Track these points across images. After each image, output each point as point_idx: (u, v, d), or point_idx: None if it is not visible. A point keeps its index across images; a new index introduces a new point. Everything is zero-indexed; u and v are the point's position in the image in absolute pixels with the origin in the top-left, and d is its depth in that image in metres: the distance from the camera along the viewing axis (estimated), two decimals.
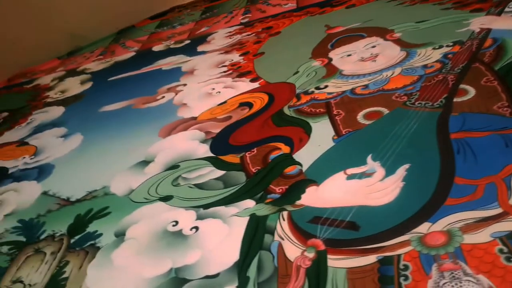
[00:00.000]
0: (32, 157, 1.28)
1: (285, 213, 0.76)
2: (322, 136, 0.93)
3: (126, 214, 0.88)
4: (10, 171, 1.24)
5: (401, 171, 0.76)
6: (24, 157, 1.29)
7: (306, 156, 0.88)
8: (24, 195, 1.10)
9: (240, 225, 0.76)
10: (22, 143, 1.40)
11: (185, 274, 0.70)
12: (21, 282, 0.81)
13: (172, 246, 0.77)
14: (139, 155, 1.08)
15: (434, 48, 1.14)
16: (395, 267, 0.60)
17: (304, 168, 0.85)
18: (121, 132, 1.25)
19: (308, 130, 0.96)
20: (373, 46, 1.26)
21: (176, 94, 1.38)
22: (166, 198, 0.90)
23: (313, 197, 0.77)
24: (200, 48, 1.72)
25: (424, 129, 0.85)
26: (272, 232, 0.73)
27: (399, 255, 0.62)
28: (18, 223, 0.99)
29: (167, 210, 0.87)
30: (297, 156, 0.89)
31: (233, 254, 0.71)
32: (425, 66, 1.07)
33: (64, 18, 2.24)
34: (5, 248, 0.93)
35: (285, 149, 0.92)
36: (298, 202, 0.77)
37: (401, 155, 0.80)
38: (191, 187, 0.91)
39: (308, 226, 0.71)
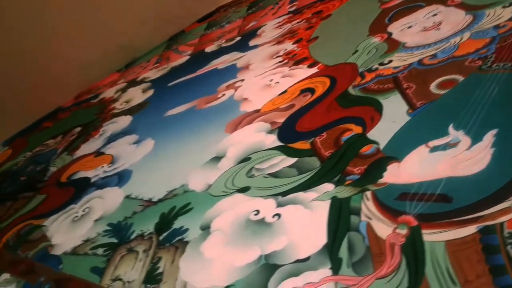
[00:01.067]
0: (110, 165, 1.36)
1: (368, 193, 0.74)
2: (395, 111, 0.90)
3: (208, 208, 0.91)
4: (92, 180, 1.32)
5: (489, 137, 0.72)
6: (103, 166, 1.37)
7: (381, 134, 0.86)
8: (109, 201, 1.17)
9: (322, 209, 0.76)
10: (98, 153, 1.49)
11: (275, 260, 0.71)
12: (120, 279, 0.87)
13: (257, 234, 0.78)
14: (210, 152, 1.11)
15: (504, 7, 1.07)
16: (499, 235, 0.57)
17: (381, 146, 0.83)
18: (189, 133, 1.29)
19: (378, 108, 0.94)
20: (435, 14, 1.20)
21: (236, 90, 1.40)
22: (243, 190, 0.92)
23: (396, 174, 0.75)
24: (251, 43, 1.73)
25: (506, 91, 0.80)
26: (357, 213, 0.72)
27: (501, 223, 0.58)
28: (108, 226, 1.06)
29: (246, 200, 0.89)
30: (371, 135, 0.87)
31: (320, 237, 0.71)
32: (497, 27, 1.00)
33: (116, 32, 2.35)
34: (100, 250, 0.99)
35: (357, 129, 0.91)
36: (381, 181, 0.75)
37: (485, 121, 0.76)
38: (265, 177, 0.92)
39: (396, 204, 0.69)
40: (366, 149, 0.84)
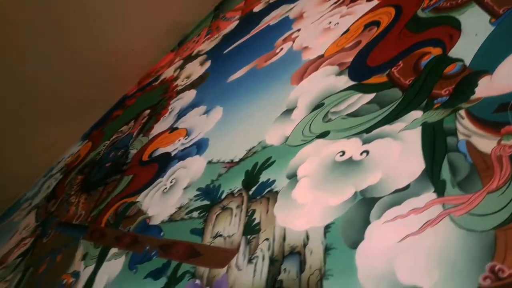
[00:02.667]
0: (186, 137, 1.41)
1: (461, 112, 0.70)
2: (475, 24, 0.83)
3: (291, 158, 0.92)
4: (172, 154, 1.38)
5: None
6: (179, 140, 1.42)
7: (464, 50, 0.80)
8: (193, 169, 1.22)
9: (413, 137, 0.73)
10: (172, 129, 1.55)
11: (372, 193, 0.70)
12: (221, 235, 0.91)
13: (347, 173, 0.78)
14: (280, 107, 1.11)
15: None
16: None
17: (467, 63, 0.77)
18: (255, 93, 1.29)
19: (456, 25, 0.87)
20: None
21: (293, 41, 1.36)
22: (323, 135, 0.91)
23: (490, 87, 0.70)
24: None
25: None
26: (453, 133, 0.68)
27: None
28: (197, 191, 1.11)
29: (329, 144, 0.88)
30: (453, 53, 0.81)
31: (417, 164, 0.68)
32: None
33: (163, 13, 2.38)
34: (195, 214, 1.04)
35: (436, 51, 0.85)
36: (473, 97, 0.70)
37: None
38: (344, 118, 0.90)
39: (496, 116, 0.65)
40: (451, 69, 0.78)
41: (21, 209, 2.26)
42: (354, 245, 0.66)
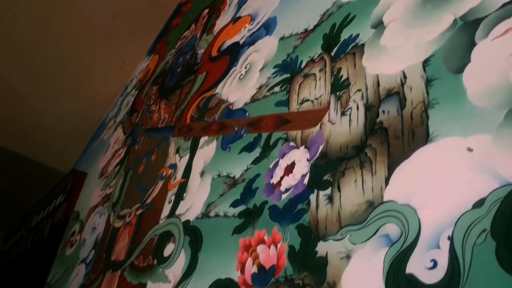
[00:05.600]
0: (251, 22, 1.37)
1: None
2: None
3: (373, 8, 0.86)
4: (241, 42, 1.37)
5: None
6: (245, 27, 1.40)
7: None
8: (265, 50, 1.20)
9: None
10: (235, 20, 1.51)
11: (475, 15, 0.64)
12: (307, 100, 0.91)
13: (441, 5, 0.71)
14: None
15: None
16: None
17: None
18: None
19: None
20: None
21: None
22: None
23: None
24: None
25: None
26: None
27: None
28: (274, 68, 1.10)
29: None
30: None
31: None
32: None
33: None
34: (277, 88, 1.05)
35: None
36: None
37: None
38: None
39: None
40: None
41: (107, 128, 2.44)
42: (460, 69, 0.62)
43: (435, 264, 0.52)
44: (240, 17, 1.48)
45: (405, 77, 0.70)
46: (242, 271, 0.83)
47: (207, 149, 1.22)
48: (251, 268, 0.81)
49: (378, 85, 0.75)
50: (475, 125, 0.56)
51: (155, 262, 1.13)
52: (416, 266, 0.54)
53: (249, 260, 0.82)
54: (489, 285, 0.47)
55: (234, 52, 1.37)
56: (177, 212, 1.18)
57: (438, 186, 0.57)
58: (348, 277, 0.62)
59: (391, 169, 0.64)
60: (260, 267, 0.79)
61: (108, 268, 1.40)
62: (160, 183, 1.38)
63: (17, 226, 2.89)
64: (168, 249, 1.11)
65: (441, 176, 0.57)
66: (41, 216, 2.51)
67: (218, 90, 1.35)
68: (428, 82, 0.66)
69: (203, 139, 1.28)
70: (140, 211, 1.41)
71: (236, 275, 0.83)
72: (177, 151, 1.39)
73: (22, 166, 2.80)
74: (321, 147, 0.80)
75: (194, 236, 1.04)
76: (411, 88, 0.68)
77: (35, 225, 2.55)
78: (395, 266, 0.56)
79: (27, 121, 2.62)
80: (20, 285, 2.66)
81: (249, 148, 1.02)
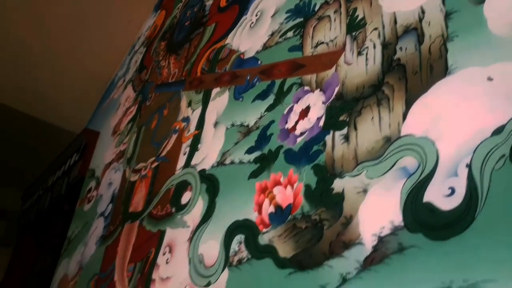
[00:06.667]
0: None
1: None
2: None
3: None
4: None
5: None
6: None
7: None
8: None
9: None
10: None
11: None
12: (322, 43, 0.90)
13: None
14: None
15: None
16: None
17: None
18: None
19: None
20: None
21: None
22: None
23: None
24: None
25: None
26: None
27: None
28: (287, 13, 1.08)
29: None
30: None
31: None
32: None
33: None
34: (289, 34, 1.03)
35: None
36: None
37: None
38: None
39: None
40: None
41: (116, 87, 2.44)
42: (481, 0, 0.61)
43: (452, 191, 0.54)
44: None
45: (423, 12, 0.69)
46: (259, 211, 0.85)
47: (220, 101, 1.22)
48: (268, 208, 0.83)
49: (395, 22, 0.74)
50: (496, 54, 0.55)
51: (173, 210, 1.16)
52: (433, 195, 0.56)
53: (266, 201, 0.85)
54: (506, 207, 0.48)
55: (244, 1, 1.34)
56: (193, 162, 1.20)
57: (456, 116, 0.57)
58: (364, 210, 0.64)
59: (408, 104, 0.64)
60: (277, 207, 0.81)
61: (126, 219, 1.45)
62: (174, 136, 1.40)
63: (34, 187, 2.97)
64: (186, 197, 1.14)
65: (460, 107, 0.57)
66: (57, 176, 2.57)
67: (228, 40, 1.33)
68: (447, 16, 0.65)
69: (214, 91, 1.28)
70: (155, 164, 1.44)
71: (253, 216, 0.86)
72: (189, 104, 1.40)
73: (35, 128, 2.84)
74: (336, 89, 0.80)
75: (210, 183, 1.06)
76: (429, 23, 0.67)
77: (51, 185, 2.62)
78: (412, 196, 0.58)
79: (38, 83, 2.63)
80: (41, 243, 2.78)
81: (262, 96, 1.02)
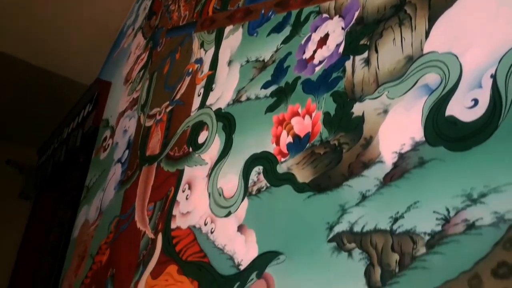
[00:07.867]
0: None
1: None
2: None
3: None
4: None
5: None
6: None
7: None
8: None
9: None
10: None
11: None
12: None
13: None
14: None
15: None
16: None
17: None
18: None
19: None
20: None
21: None
22: None
23: None
24: None
25: None
26: None
27: None
28: None
29: None
30: None
31: None
32: None
33: None
34: None
35: None
36: None
37: None
38: None
39: None
40: None
41: (126, 36, 2.41)
42: None
43: (476, 102, 0.53)
44: None
45: None
46: (277, 143, 0.86)
47: (233, 38, 1.20)
48: (286, 139, 0.84)
49: None
50: None
51: (191, 149, 1.18)
52: (456, 107, 0.55)
53: (284, 132, 0.86)
54: None
55: None
56: (208, 102, 1.21)
57: (481, 28, 0.56)
58: (385, 129, 0.64)
59: (431, 21, 0.63)
60: (295, 136, 0.82)
61: (144, 163, 1.48)
62: (188, 79, 1.40)
63: (49, 140, 3.02)
64: (202, 136, 1.16)
65: (485, 19, 0.56)
66: (71, 127, 2.60)
67: None
68: None
69: (227, 29, 1.26)
70: (170, 108, 1.45)
71: (271, 148, 0.87)
72: (201, 45, 1.38)
73: (47, 81, 2.85)
74: (357, 13, 0.78)
75: (227, 121, 1.07)
76: None
77: (66, 137, 2.66)
78: (434, 111, 0.58)
79: (49, 37, 2.61)
80: (59, 197, 2.86)
81: (278, 28, 1.01)
